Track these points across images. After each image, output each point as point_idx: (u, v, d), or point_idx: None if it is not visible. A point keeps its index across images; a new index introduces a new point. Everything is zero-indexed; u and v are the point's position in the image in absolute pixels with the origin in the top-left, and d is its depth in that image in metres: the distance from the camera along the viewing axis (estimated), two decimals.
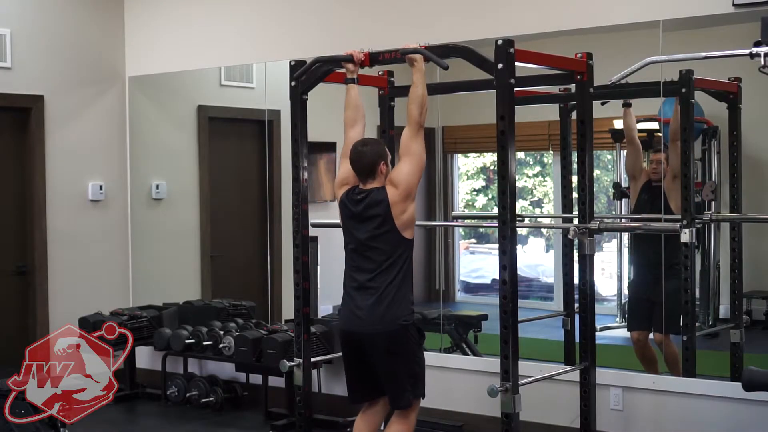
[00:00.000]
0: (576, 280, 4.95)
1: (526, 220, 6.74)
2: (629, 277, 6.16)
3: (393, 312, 4.24)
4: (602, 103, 5.31)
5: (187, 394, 6.30)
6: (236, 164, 7.32)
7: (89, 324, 6.16)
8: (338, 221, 4.57)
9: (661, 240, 5.24)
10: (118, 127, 7.17)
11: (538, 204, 7.33)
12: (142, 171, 7.22)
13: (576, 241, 4.75)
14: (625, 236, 6.12)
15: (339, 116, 4.64)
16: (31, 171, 6.72)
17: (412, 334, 4.31)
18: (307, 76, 4.71)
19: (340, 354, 5.66)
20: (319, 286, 6.48)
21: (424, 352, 4.42)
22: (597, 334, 4.74)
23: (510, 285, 4.06)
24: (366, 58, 4.55)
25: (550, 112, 6.00)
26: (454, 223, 7.01)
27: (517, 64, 4.09)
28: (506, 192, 4.07)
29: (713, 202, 5.47)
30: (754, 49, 4.00)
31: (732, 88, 5.17)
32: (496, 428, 4.18)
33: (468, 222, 7.46)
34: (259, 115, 6.74)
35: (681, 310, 5.21)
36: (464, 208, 7.33)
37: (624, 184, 6.06)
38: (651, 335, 5.56)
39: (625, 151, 5.87)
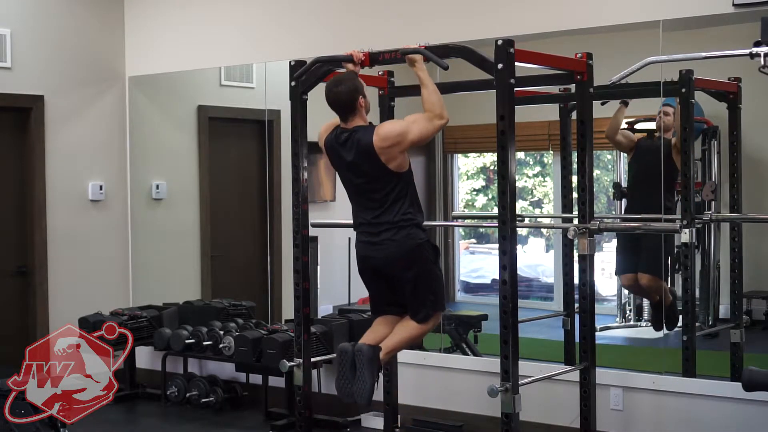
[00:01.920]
0: (576, 280, 4.95)
1: (526, 220, 6.74)
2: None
3: (405, 234, 4.31)
4: (602, 103, 5.31)
5: (187, 394, 6.30)
6: (236, 164, 7.32)
7: (89, 324, 6.16)
8: (338, 221, 4.58)
9: (657, 186, 5.21)
10: (118, 127, 7.17)
11: (538, 204, 7.33)
12: (142, 171, 7.22)
13: (576, 241, 4.75)
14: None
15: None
16: (31, 171, 6.71)
17: (427, 251, 4.38)
18: (307, 76, 4.71)
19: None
20: (319, 286, 6.49)
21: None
22: (597, 334, 4.74)
23: (510, 285, 4.06)
24: (366, 58, 4.54)
25: (550, 112, 6.00)
26: (454, 223, 7.01)
27: (517, 64, 4.10)
28: (506, 192, 4.07)
29: (713, 202, 5.47)
30: (754, 49, 4.00)
31: (732, 88, 5.18)
32: (496, 428, 4.18)
33: (468, 222, 7.46)
34: (259, 115, 6.74)
35: (669, 255, 5.20)
36: (464, 208, 7.33)
37: (624, 184, 6.07)
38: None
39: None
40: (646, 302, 6.17)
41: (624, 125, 5.79)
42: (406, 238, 4.31)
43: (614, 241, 6.30)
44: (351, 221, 4.60)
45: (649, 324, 6.07)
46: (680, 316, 5.17)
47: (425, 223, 4.45)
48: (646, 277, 5.42)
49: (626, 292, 6.28)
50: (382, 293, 4.50)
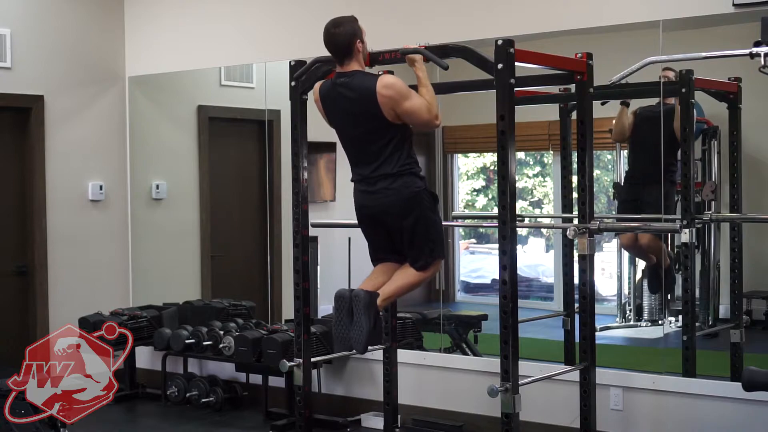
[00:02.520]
0: (576, 280, 4.95)
1: (526, 220, 6.74)
2: (629, 276, 6.18)
3: (402, 183, 4.29)
4: (602, 103, 5.31)
5: (187, 394, 6.30)
6: (236, 164, 7.32)
7: (89, 324, 6.16)
8: (338, 221, 4.58)
9: (657, 147, 5.20)
10: (118, 127, 7.17)
11: (538, 204, 7.33)
12: (142, 171, 7.22)
13: (576, 241, 4.75)
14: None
15: None
16: (31, 171, 6.72)
17: (425, 198, 4.37)
18: (307, 76, 4.71)
19: (340, 354, 5.69)
20: (319, 286, 6.49)
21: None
22: (597, 334, 4.74)
23: (510, 285, 4.06)
24: (366, 58, 4.54)
25: (550, 112, 6.00)
26: (454, 223, 7.01)
27: (517, 64, 4.09)
28: (506, 192, 4.06)
29: (713, 202, 5.47)
30: (754, 49, 4.00)
31: (732, 88, 5.17)
32: (496, 428, 4.18)
33: (468, 222, 7.46)
34: (259, 115, 6.74)
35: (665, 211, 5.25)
36: (464, 208, 7.33)
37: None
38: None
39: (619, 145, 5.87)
40: (646, 302, 6.17)
41: None
42: (403, 187, 4.29)
43: (614, 242, 6.32)
44: (351, 221, 4.60)
45: (649, 324, 6.08)
46: (675, 279, 5.12)
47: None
48: (647, 237, 5.38)
49: (626, 291, 6.28)
50: (381, 241, 4.46)
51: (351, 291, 4.26)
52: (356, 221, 4.55)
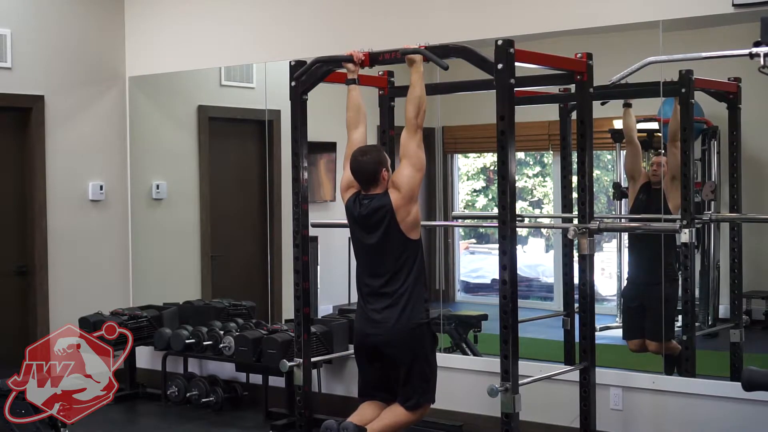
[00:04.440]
0: (576, 280, 4.95)
1: (526, 220, 6.74)
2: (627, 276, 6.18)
3: (408, 314, 4.32)
4: (602, 103, 5.31)
5: (187, 394, 6.30)
6: (236, 164, 7.32)
7: (89, 324, 6.16)
8: (338, 221, 4.60)
9: (657, 244, 5.22)
10: (118, 127, 7.17)
11: (538, 204, 7.33)
12: (142, 171, 7.22)
13: (576, 241, 4.75)
14: (625, 236, 6.13)
15: (339, 116, 4.65)
16: (31, 171, 6.71)
17: (427, 336, 4.39)
18: (307, 76, 4.71)
19: (340, 354, 5.70)
20: (319, 286, 6.49)
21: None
22: (597, 334, 4.74)
23: (510, 285, 4.06)
24: (366, 58, 4.55)
25: (550, 112, 6.00)
26: (454, 223, 7.01)
27: (517, 64, 4.10)
28: (506, 192, 4.07)
29: (713, 202, 5.47)
30: (754, 49, 4.00)
31: (732, 88, 5.18)
32: (496, 428, 4.18)
33: (468, 222, 7.46)
34: (259, 115, 6.74)
35: (673, 315, 5.23)
36: (464, 208, 7.33)
37: (624, 184, 6.07)
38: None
39: (625, 152, 5.88)
40: None
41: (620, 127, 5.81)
42: (408, 320, 4.32)
43: (614, 242, 6.32)
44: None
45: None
46: (687, 360, 5.17)
47: (425, 223, 4.45)
48: (654, 345, 5.43)
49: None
50: (375, 376, 4.49)
51: (339, 423, 4.30)
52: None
